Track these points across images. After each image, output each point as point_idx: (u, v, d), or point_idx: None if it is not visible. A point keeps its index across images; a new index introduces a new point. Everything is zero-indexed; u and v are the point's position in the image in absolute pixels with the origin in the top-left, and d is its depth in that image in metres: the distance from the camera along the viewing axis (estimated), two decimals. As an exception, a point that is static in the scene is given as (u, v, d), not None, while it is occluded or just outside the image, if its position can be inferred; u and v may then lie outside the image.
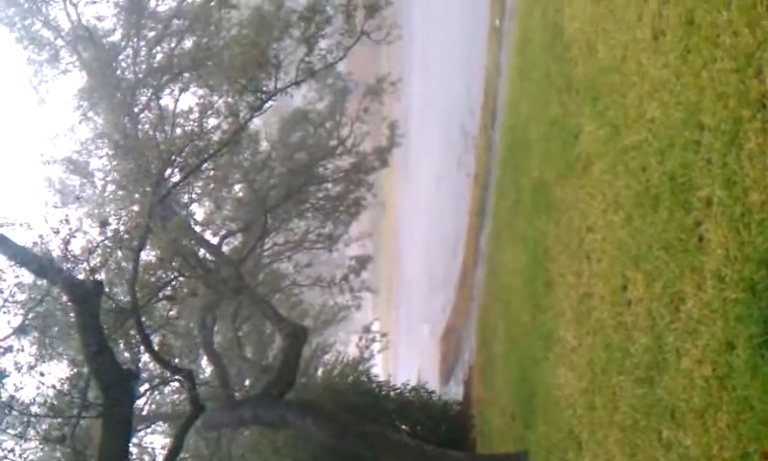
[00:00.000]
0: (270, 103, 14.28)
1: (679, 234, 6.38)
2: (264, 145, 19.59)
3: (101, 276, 11.14)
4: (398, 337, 40.77)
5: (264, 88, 13.59)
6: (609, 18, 8.52)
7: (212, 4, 17.49)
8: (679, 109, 6.54)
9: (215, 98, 13.84)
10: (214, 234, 17.16)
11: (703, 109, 6.15)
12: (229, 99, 13.49)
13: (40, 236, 10.39)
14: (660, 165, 6.79)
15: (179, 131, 14.12)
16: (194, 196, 17.37)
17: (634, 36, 7.69)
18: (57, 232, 10.27)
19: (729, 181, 5.71)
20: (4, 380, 10.41)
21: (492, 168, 16.56)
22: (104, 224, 11.30)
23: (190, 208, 17.78)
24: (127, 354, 12.58)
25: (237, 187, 18.75)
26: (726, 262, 5.66)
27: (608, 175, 8.11)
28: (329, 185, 20.66)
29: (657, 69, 7.04)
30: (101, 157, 16.84)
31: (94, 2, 17.30)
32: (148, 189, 11.97)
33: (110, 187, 15.72)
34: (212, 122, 14.11)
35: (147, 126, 16.36)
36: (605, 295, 7.98)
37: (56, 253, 10.86)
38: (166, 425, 16.48)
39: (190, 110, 14.52)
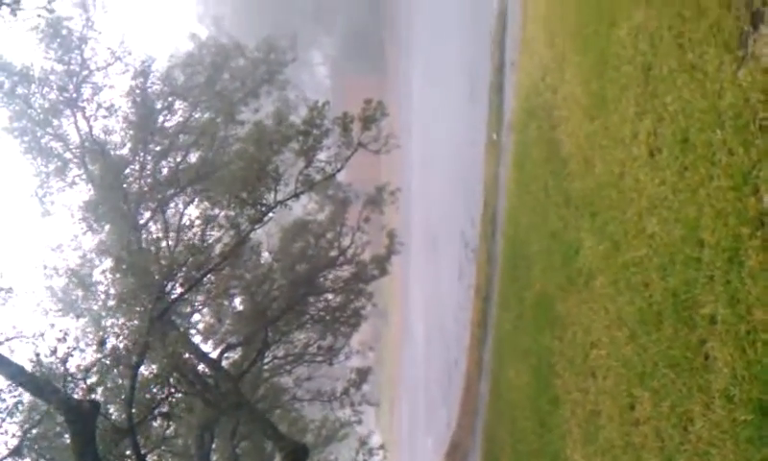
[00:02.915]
0: (270, 215, 14.42)
1: (684, 352, 6.27)
2: (265, 256, 19.65)
3: (97, 394, 10.95)
4: (401, 451, 39.65)
5: (264, 201, 13.75)
6: (604, 135, 8.67)
7: (218, 120, 17.99)
8: (678, 225, 6.56)
9: (216, 211, 13.98)
10: (214, 348, 16.97)
11: (702, 226, 6.16)
12: (230, 212, 13.62)
13: (38, 355, 10.28)
14: (662, 282, 6.74)
15: (181, 244, 14.20)
16: (194, 309, 17.30)
17: (630, 153, 7.80)
18: (54, 351, 10.15)
19: (732, 298, 5.65)
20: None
21: (493, 279, 16.51)
22: (101, 343, 11.19)
23: (190, 321, 17.68)
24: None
25: (238, 300, 18.67)
26: (733, 382, 5.53)
27: (610, 290, 8.05)
28: (330, 296, 20.58)
29: (654, 186, 7.11)
30: (103, 271, 16.84)
31: (105, 116, 17.76)
32: (149, 305, 11.91)
33: (111, 301, 15.64)
34: (214, 235, 14.21)
35: (150, 239, 16.48)
36: (612, 413, 7.77)
37: (53, 371, 10.73)
38: None
39: (192, 224, 14.65)
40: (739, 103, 5.82)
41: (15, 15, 11.18)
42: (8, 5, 10.88)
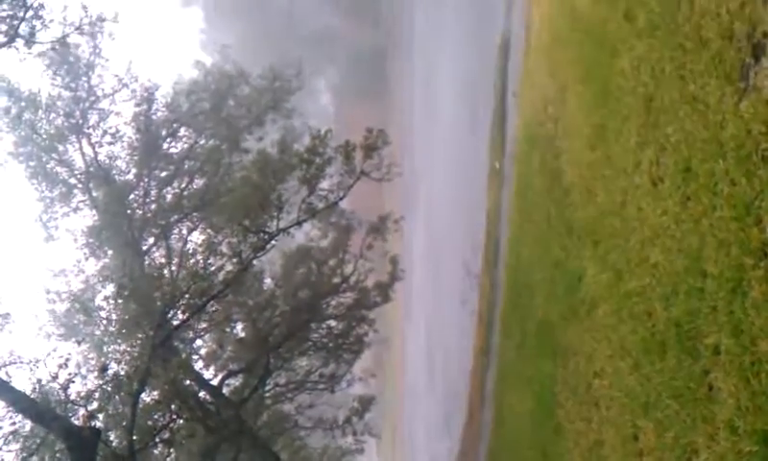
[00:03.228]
0: (272, 243, 14.45)
1: (688, 383, 6.24)
2: (268, 282, 19.64)
3: (98, 421, 10.90)
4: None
5: (266, 229, 13.80)
6: (607, 165, 8.71)
7: (223, 147, 18.10)
8: (681, 255, 6.56)
9: (219, 238, 14.03)
10: (215, 375, 16.91)
11: (705, 256, 6.16)
12: (233, 240, 13.66)
13: (39, 381, 10.26)
14: (666, 311, 6.74)
15: (183, 271, 14.23)
16: (197, 335, 17.28)
17: (632, 182, 7.83)
18: (56, 377, 10.14)
19: (736, 329, 5.64)
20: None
21: (496, 307, 16.48)
22: (103, 369, 11.18)
23: (192, 347, 17.66)
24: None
25: (240, 326, 18.64)
26: (738, 413, 5.51)
27: (612, 319, 8.04)
28: (332, 323, 20.51)
29: (657, 215, 7.12)
30: (106, 297, 16.87)
31: (110, 142, 17.90)
32: (150, 332, 11.90)
33: (113, 327, 15.64)
34: (216, 263, 14.24)
35: (153, 265, 16.51)
36: (616, 444, 7.72)
37: (54, 397, 10.70)
38: None
39: (195, 251, 14.69)
40: (741, 134, 5.85)
41: (30, 48, 11.41)
42: (23, 37, 11.09)
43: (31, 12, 11.78)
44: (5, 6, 11.36)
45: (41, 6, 11.89)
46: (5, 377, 10.34)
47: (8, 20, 11.66)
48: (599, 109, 9.15)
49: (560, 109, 11.21)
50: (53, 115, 17.98)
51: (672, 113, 7.02)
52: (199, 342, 18.11)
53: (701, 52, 6.58)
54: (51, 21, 12.45)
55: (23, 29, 11.84)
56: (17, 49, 11.65)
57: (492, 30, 19.29)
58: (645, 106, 7.66)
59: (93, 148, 17.88)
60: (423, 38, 37.49)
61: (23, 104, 17.59)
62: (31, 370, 10.78)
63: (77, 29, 13.70)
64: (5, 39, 11.67)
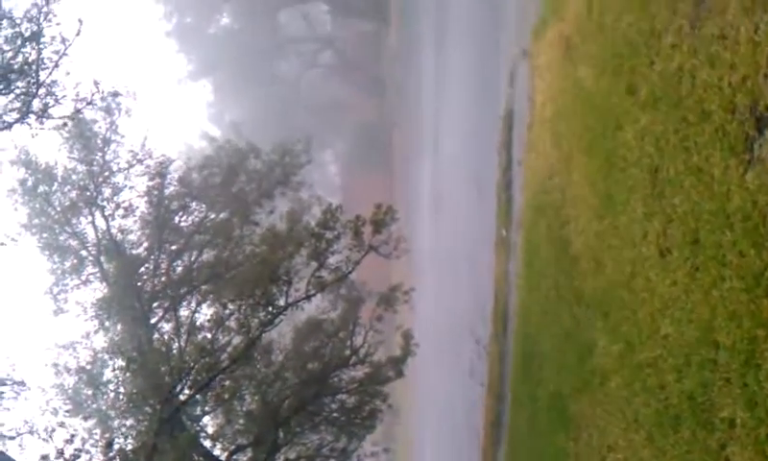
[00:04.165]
0: (280, 318, 14.45)
1: (704, 457, 6.15)
2: (277, 355, 19.49)
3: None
4: None
5: (276, 303, 13.80)
6: (614, 235, 8.75)
7: (234, 220, 18.28)
8: (692, 326, 6.54)
9: (228, 312, 14.04)
10: (223, 449, 16.65)
11: (716, 327, 6.14)
12: (241, 315, 13.66)
13: (45, 457, 10.17)
14: (678, 383, 6.68)
15: (191, 346, 14.20)
16: (204, 409, 17.11)
17: (640, 253, 7.85)
18: (62, 453, 10.05)
19: (750, 401, 5.58)
20: None
21: (505, 378, 16.30)
22: (109, 444, 11.06)
23: (200, 421, 17.45)
24: None
25: (249, 399, 18.43)
26: (756, 488, 5.41)
27: (625, 391, 7.96)
28: (343, 396, 20.24)
29: (666, 286, 7.12)
30: (114, 371, 16.79)
31: (123, 216, 18.13)
32: (158, 406, 11.82)
33: (120, 401, 15.53)
34: (225, 338, 14.21)
35: (162, 338, 16.49)
36: (632, 522, 7.55)
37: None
38: None
39: (203, 326, 14.69)
40: (747, 205, 5.90)
41: (43, 123, 11.69)
42: (35, 113, 11.37)
43: (44, 89, 12.07)
44: (19, 83, 11.67)
45: (54, 82, 12.19)
46: (19, 448, 10.30)
47: (21, 97, 11.96)
48: (605, 179, 9.24)
49: (565, 178, 11.31)
50: (67, 188, 18.28)
51: (678, 185, 7.10)
52: (208, 415, 17.90)
53: (704, 124, 6.69)
54: (63, 97, 12.72)
55: (36, 105, 12.12)
56: (30, 125, 11.92)
57: (496, 101, 19.61)
58: (651, 177, 7.74)
59: (106, 221, 18.09)
60: (428, 110, 38.13)
61: (39, 176, 17.93)
62: (45, 440, 10.74)
63: (88, 104, 14.02)
64: (18, 116, 11.95)
